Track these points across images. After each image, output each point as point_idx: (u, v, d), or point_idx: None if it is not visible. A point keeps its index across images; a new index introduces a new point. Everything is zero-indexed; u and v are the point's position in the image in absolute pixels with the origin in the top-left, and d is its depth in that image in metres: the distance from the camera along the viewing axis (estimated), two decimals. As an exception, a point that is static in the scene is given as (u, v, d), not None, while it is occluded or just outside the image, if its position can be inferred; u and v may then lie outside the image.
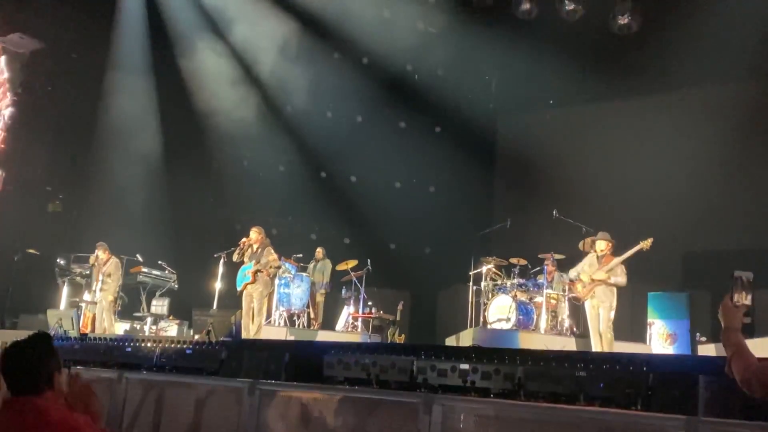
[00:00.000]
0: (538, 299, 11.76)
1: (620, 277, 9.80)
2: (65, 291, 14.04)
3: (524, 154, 16.11)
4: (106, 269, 12.90)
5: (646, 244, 9.67)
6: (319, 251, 14.48)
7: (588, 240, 10.97)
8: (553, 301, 11.66)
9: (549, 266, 11.77)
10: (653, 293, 12.06)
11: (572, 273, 10.31)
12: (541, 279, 11.88)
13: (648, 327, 11.76)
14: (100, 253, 13.05)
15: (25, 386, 3.25)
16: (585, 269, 10.07)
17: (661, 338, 11.54)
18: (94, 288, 13.25)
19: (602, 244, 10.00)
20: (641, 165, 14.55)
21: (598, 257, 9.99)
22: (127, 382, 6.91)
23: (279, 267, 11.95)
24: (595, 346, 9.83)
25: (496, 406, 5.10)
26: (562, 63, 14.17)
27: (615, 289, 9.86)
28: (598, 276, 9.79)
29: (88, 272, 13.77)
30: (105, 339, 9.57)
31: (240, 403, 5.98)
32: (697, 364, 6.58)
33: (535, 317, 11.61)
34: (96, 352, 8.93)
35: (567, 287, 11.05)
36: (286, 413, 5.76)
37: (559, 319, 11.52)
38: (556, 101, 16.51)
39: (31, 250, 15.02)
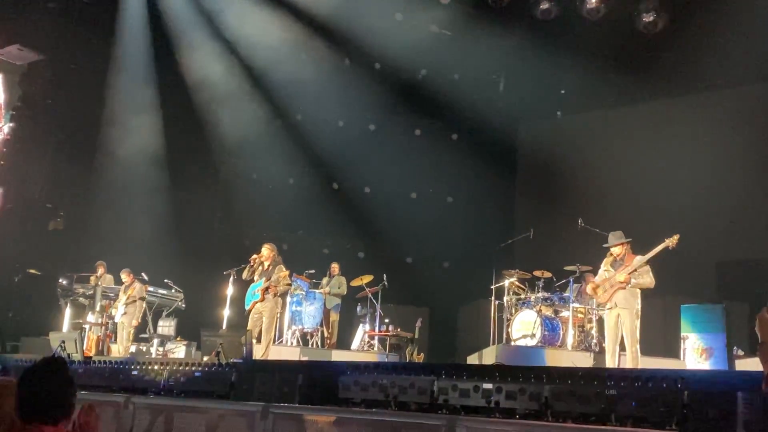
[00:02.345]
0: (565, 314, 11.68)
1: (644, 278, 9.29)
2: (68, 312, 14.15)
3: (546, 160, 16.12)
4: (131, 293, 13.25)
5: (672, 241, 9.14)
6: (335, 267, 14.45)
7: None
8: (580, 316, 11.58)
9: (589, 277, 11.58)
10: (686, 305, 11.93)
11: (596, 280, 9.87)
12: (567, 292, 11.80)
13: (681, 341, 11.64)
14: (124, 276, 13.52)
15: (42, 414, 3.23)
16: (603, 274, 9.66)
17: (695, 353, 11.41)
18: (98, 308, 13.44)
19: (617, 249, 9.55)
20: (671, 170, 14.48)
21: (615, 259, 9.59)
22: (135, 407, 6.95)
23: (290, 285, 11.97)
24: (609, 361, 9.37)
25: (524, 428, 5.08)
26: (584, 64, 14.17)
27: (639, 293, 9.36)
28: (618, 278, 9.32)
29: (90, 292, 13.90)
30: (110, 362, 9.62)
31: (252, 427, 6.00)
32: (735, 379, 6.52)
33: (561, 333, 11.53)
34: (101, 376, 9.01)
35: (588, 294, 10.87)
36: (302, 438, 5.77)
37: (588, 334, 11.44)
38: (579, 104, 16.46)
39: (32, 270, 15.15)
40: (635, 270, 9.34)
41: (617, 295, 9.43)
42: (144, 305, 13.45)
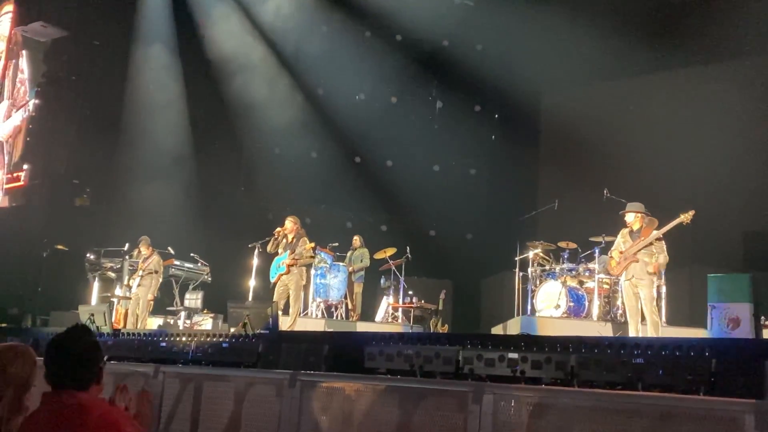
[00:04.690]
0: (590, 285, 11.65)
1: (660, 258, 9.29)
2: (96, 286, 14.31)
3: (571, 130, 15.90)
4: (148, 265, 12.92)
5: (686, 217, 9.18)
6: (357, 239, 14.52)
7: None
8: (605, 287, 11.53)
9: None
10: (713, 275, 11.81)
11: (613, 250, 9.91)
12: (592, 263, 11.74)
13: (708, 311, 11.58)
14: (142, 248, 13.16)
15: (71, 380, 3.28)
16: (620, 246, 9.66)
17: (722, 322, 11.34)
18: (126, 282, 13.50)
19: (630, 218, 9.55)
20: (698, 139, 14.26)
21: (631, 231, 9.58)
22: (164, 376, 7.05)
23: (314, 257, 12.04)
24: (632, 330, 9.41)
25: (551, 393, 5.09)
26: (610, 32, 13.94)
27: (654, 264, 9.35)
28: (632, 251, 9.32)
29: (119, 266, 14.02)
30: (138, 334, 9.75)
31: (281, 395, 6.06)
32: (763, 348, 6.47)
33: (587, 304, 11.50)
34: (129, 348, 9.14)
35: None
36: (329, 405, 5.82)
37: (613, 305, 11.40)
38: (604, 73, 16.22)
39: (60, 246, 15.35)
40: (651, 244, 9.33)
41: (633, 267, 9.44)
42: (160, 279, 13.11)
